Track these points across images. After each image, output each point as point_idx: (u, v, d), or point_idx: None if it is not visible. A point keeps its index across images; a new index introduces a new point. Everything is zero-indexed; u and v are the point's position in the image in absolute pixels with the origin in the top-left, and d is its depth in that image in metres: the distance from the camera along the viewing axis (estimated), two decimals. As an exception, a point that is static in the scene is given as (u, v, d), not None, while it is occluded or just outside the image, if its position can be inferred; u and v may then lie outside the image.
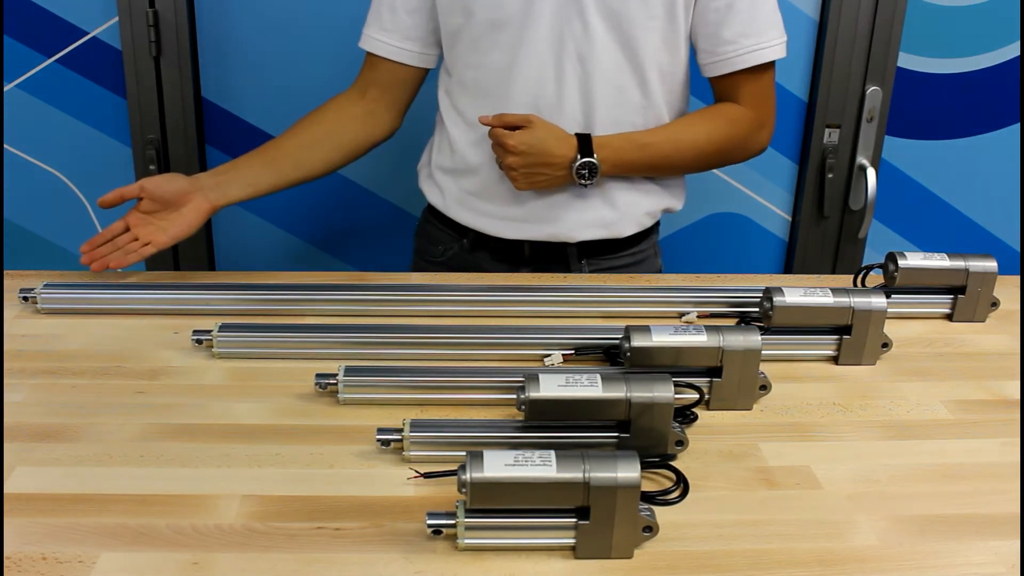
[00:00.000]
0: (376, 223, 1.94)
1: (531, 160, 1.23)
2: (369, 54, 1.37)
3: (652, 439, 0.83)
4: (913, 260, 1.15)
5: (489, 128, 1.25)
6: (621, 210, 1.33)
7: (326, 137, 1.36)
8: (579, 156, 1.23)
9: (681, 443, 0.85)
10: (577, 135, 1.25)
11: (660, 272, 1.46)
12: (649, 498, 0.77)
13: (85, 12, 1.77)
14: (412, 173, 1.45)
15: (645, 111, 1.29)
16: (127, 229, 1.22)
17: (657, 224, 1.42)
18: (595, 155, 1.24)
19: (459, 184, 1.36)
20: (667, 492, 0.79)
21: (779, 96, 1.89)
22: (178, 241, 1.22)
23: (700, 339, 0.92)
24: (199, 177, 1.26)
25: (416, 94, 1.40)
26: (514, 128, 1.23)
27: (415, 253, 1.51)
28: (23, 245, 1.94)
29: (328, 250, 1.99)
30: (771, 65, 1.30)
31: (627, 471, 0.69)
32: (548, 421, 0.84)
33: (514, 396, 0.85)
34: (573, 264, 1.36)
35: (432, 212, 1.44)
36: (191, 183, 1.24)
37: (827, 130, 1.88)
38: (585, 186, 1.27)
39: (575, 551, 0.72)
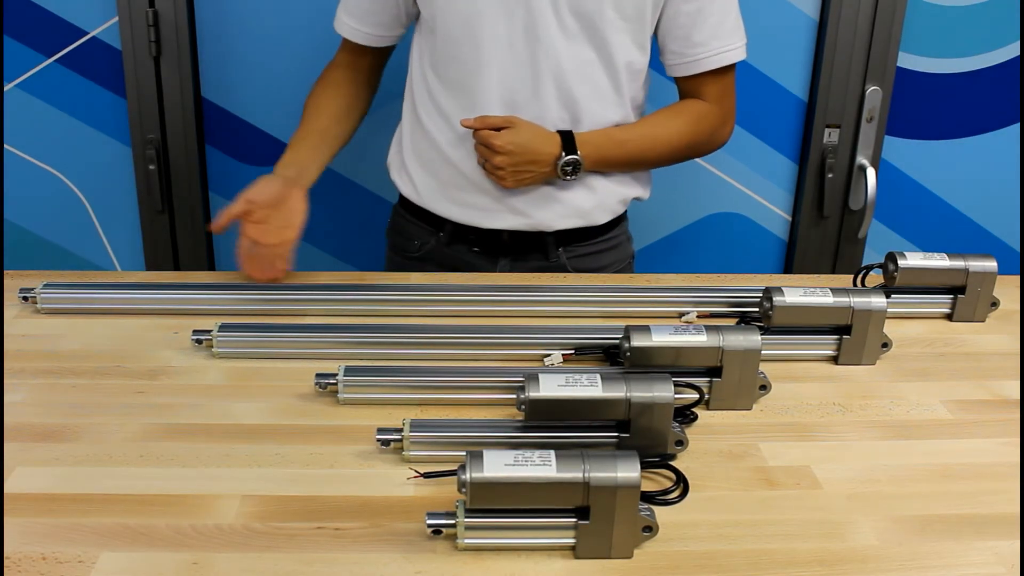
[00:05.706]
0: (377, 224, 1.94)
1: (518, 159, 1.25)
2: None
3: (652, 439, 0.83)
4: (913, 260, 1.15)
5: (472, 130, 1.27)
6: (597, 199, 1.36)
7: (346, 111, 1.41)
8: (564, 153, 1.27)
9: (681, 443, 0.85)
10: (560, 132, 1.28)
11: (633, 257, 1.51)
12: (649, 498, 0.77)
13: (85, 12, 1.77)
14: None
15: (618, 107, 1.33)
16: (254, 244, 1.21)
17: (626, 211, 1.46)
18: (578, 152, 1.27)
19: (437, 176, 1.36)
20: (667, 492, 0.79)
21: (779, 96, 1.89)
22: (302, 231, 1.22)
23: (700, 339, 0.92)
24: (281, 174, 1.27)
25: (388, 57, 1.45)
26: (497, 129, 1.25)
27: (389, 250, 1.51)
28: (23, 245, 1.94)
29: (328, 250, 1.99)
30: (733, 66, 1.35)
31: (627, 471, 0.69)
32: (548, 421, 0.84)
33: (514, 396, 0.85)
34: (551, 253, 1.38)
35: (405, 206, 1.45)
36: (282, 181, 1.24)
37: (827, 130, 1.88)
38: (568, 181, 1.31)
39: (575, 551, 0.72)
